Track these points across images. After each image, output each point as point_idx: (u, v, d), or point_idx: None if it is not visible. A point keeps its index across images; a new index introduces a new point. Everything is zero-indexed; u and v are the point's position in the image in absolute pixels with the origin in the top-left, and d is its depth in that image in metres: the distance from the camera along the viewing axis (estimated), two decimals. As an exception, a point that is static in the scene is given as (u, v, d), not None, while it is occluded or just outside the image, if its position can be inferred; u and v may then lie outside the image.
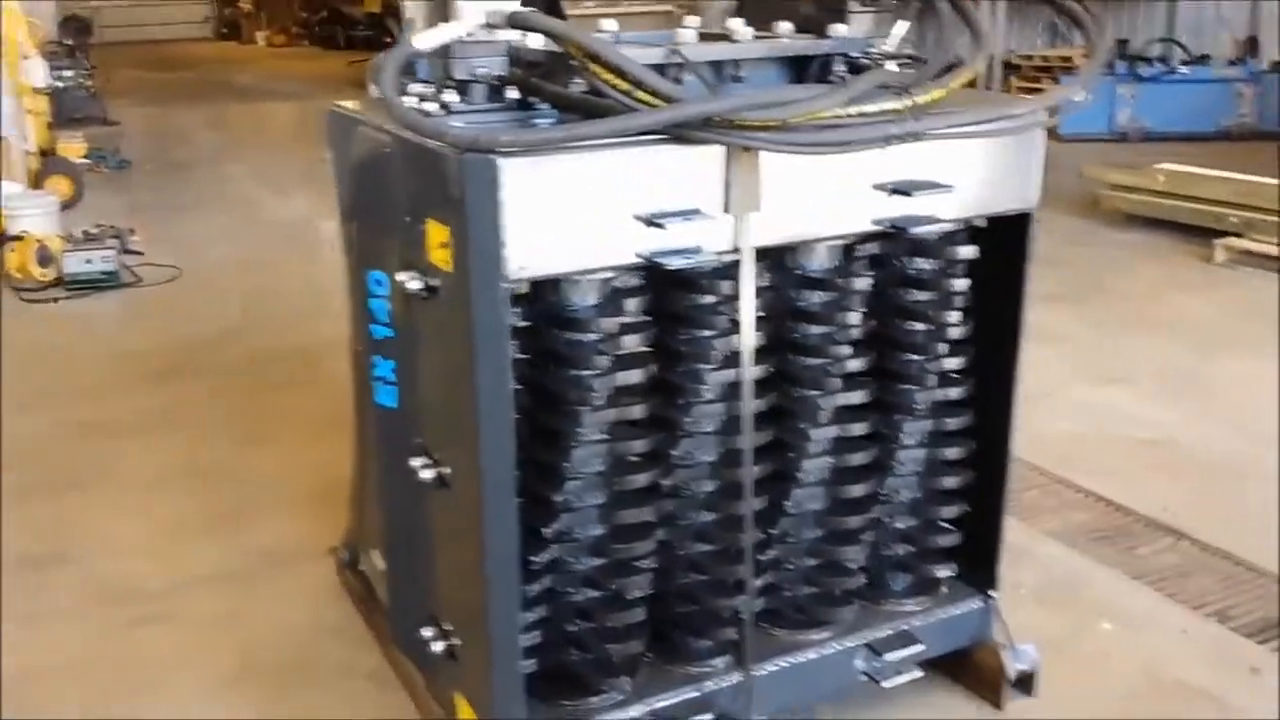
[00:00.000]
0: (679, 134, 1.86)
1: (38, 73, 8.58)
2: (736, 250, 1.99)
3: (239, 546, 3.31)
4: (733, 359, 2.14)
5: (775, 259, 2.19)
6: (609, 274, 2.00)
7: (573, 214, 1.85)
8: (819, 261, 2.20)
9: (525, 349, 2.04)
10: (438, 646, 2.21)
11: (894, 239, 2.23)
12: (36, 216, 6.64)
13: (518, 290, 1.92)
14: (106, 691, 2.67)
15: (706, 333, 2.08)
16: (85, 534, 3.43)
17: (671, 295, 2.09)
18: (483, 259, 1.81)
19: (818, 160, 2.00)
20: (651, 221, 1.88)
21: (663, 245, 1.91)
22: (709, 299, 2.06)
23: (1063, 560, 3.16)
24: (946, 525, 2.49)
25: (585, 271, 1.95)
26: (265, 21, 25.63)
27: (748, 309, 2.02)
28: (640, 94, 1.82)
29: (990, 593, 2.53)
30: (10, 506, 3.59)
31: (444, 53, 2.03)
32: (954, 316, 2.31)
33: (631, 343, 2.07)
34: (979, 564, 2.54)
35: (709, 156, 1.92)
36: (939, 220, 2.13)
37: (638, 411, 2.12)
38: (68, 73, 12.16)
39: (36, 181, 7.93)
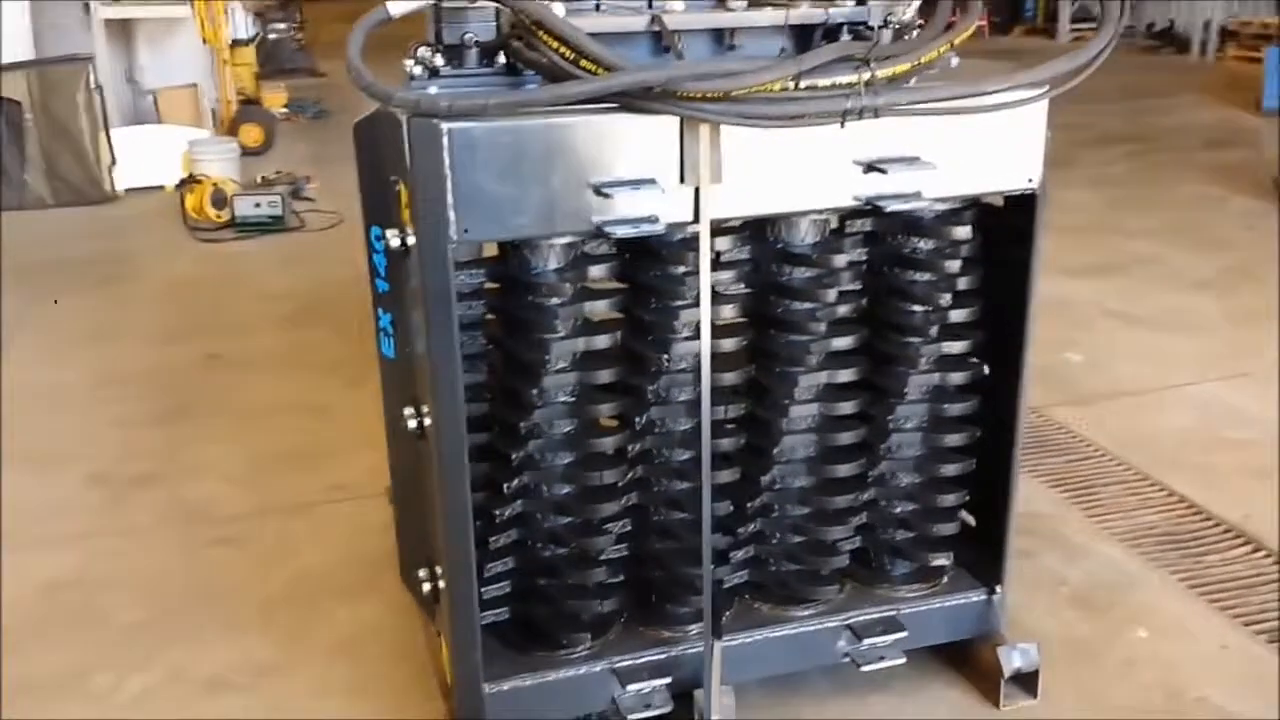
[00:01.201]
0: (628, 103, 1.87)
1: (240, 24, 9.19)
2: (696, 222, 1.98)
3: (317, 480, 3.51)
4: (717, 329, 2.15)
5: (757, 232, 2.18)
6: (570, 239, 2.03)
7: (520, 180, 1.88)
8: (801, 236, 2.17)
9: (494, 309, 2.11)
10: (427, 588, 2.31)
11: (889, 217, 2.18)
12: (218, 161, 7.16)
13: (477, 253, 1.99)
14: (160, 603, 2.91)
15: (671, 303, 2.09)
16: (185, 459, 3.71)
17: (640, 264, 2.11)
18: (429, 221, 1.88)
19: (789, 134, 1.97)
20: (599, 190, 1.90)
21: (615, 214, 1.92)
22: (673, 269, 2.06)
23: (1119, 562, 3.00)
24: (946, 513, 2.41)
25: (537, 237, 1.98)
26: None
27: (706, 281, 2.01)
28: (584, 62, 1.83)
29: (996, 587, 2.44)
30: (126, 428, 3.94)
31: (436, 17, 2.09)
32: (948, 298, 2.23)
33: (596, 309, 2.10)
34: (987, 557, 2.45)
35: (664, 126, 1.92)
36: (918, 198, 2.05)
37: (605, 376, 2.15)
38: (280, 25, 12.92)
39: (232, 128, 8.50)
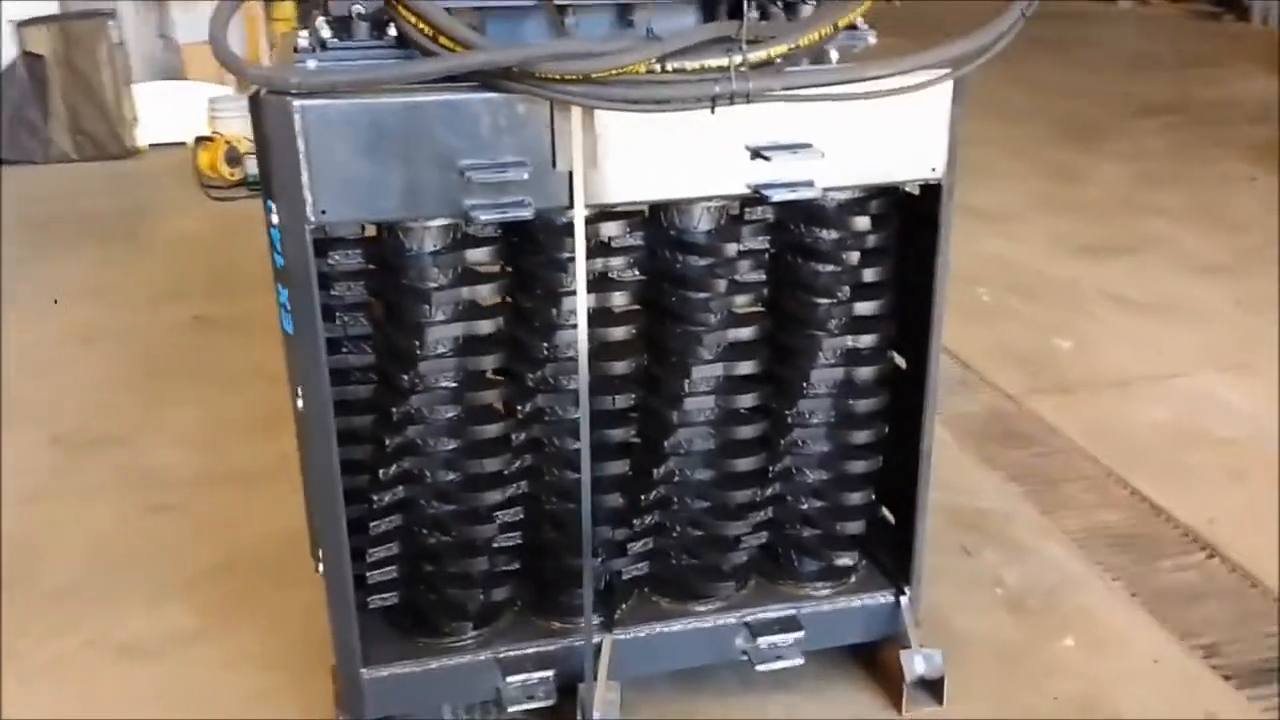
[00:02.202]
0: (489, 83, 1.80)
1: (275, -16, 9.16)
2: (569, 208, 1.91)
3: (273, 448, 3.50)
4: (597, 317, 2.09)
5: (651, 218, 2.11)
6: (445, 222, 1.97)
7: (381, 160, 1.82)
8: (694, 223, 2.09)
9: (372, 292, 2.06)
10: (320, 570, 2.29)
11: (790, 206, 2.09)
12: (237, 119, 7.15)
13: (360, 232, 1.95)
14: (91, 569, 2.92)
15: (551, 289, 2.03)
16: (148, 422, 3.73)
17: (523, 249, 2.05)
18: (285, 201, 1.83)
19: (676, 118, 1.89)
20: (464, 173, 1.84)
21: (482, 199, 1.86)
22: (552, 255, 2.00)
23: (1063, 564, 2.90)
24: (852, 511, 2.34)
25: (402, 220, 1.93)
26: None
27: (581, 267, 1.95)
28: (443, 39, 1.77)
29: (905, 589, 2.36)
30: (97, 390, 3.97)
31: (323, -10, 2.04)
32: (849, 290, 2.15)
33: (481, 294, 2.04)
34: (899, 558, 2.37)
35: (537, 108, 1.84)
36: (809, 187, 1.96)
37: (488, 363, 2.10)
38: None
39: (258, 87, 8.50)
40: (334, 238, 2.00)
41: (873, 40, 2.13)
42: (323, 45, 1.97)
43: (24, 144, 7.56)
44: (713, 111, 1.80)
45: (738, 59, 1.76)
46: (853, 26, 2.12)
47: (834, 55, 2.11)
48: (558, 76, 1.75)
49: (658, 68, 1.77)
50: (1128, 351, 4.19)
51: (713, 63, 1.78)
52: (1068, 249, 5.34)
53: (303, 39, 1.99)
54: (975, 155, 7.60)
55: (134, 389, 3.98)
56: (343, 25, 2.01)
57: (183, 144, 7.51)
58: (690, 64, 1.77)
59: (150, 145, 7.63)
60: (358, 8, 2.00)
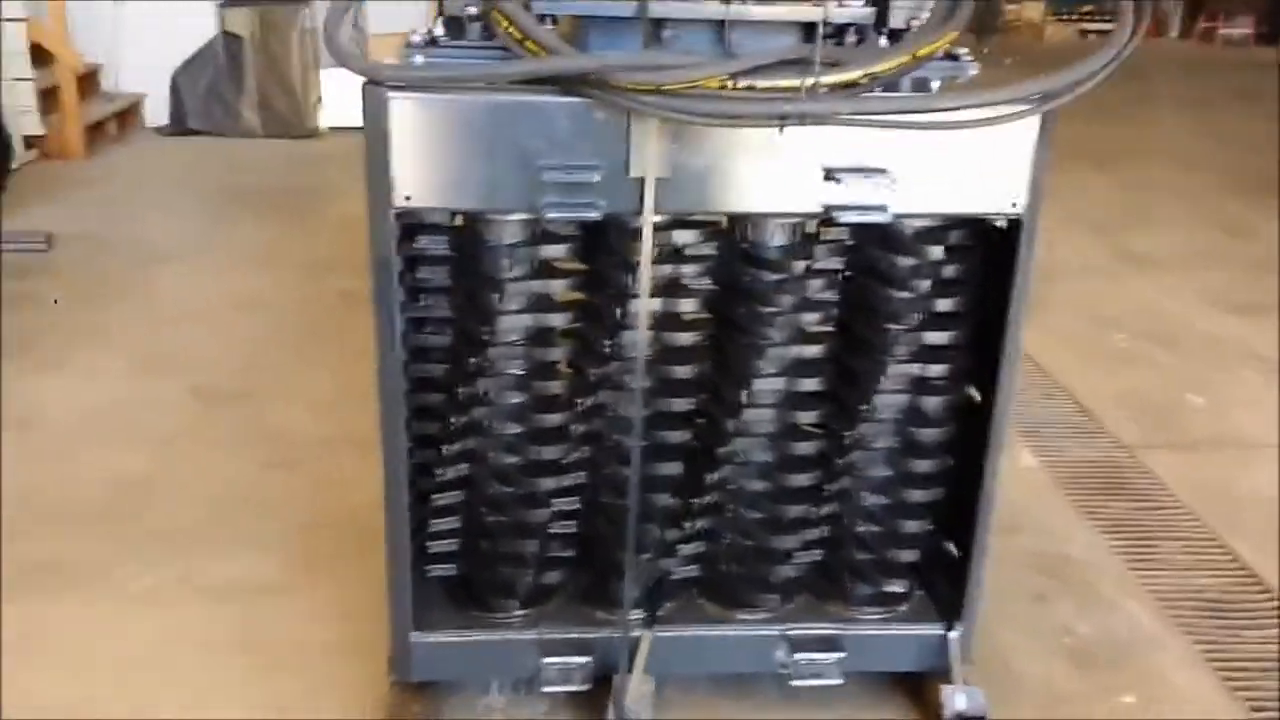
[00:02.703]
0: (568, 88, 1.89)
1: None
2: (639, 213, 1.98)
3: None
4: (664, 321, 2.16)
5: (726, 228, 2.16)
6: (525, 215, 2.07)
7: (463, 153, 1.93)
8: (767, 238, 2.13)
9: (454, 277, 2.18)
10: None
11: (868, 229, 2.12)
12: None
13: (430, 220, 2.08)
14: (204, 512, 3.14)
15: (617, 290, 2.10)
16: (283, 382, 3.97)
17: (597, 249, 2.13)
18: (376, 185, 1.96)
19: (757, 134, 1.94)
20: (540, 171, 1.93)
21: (554, 198, 1.95)
22: (621, 257, 2.08)
23: (1142, 622, 2.81)
24: (907, 539, 2.33)
25: (481, 211, 2.03)
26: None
27: (645, 272, 2.01)
28: (529, 43, 1.86)
29: (955, 624, 2.34)
30: (242, 348, 4.25)
31: (443, -12, 2.18)
32: (918, 319, 2.15)
33: (548, 288, 2.14)
34: (955, 593, 2.36)
35: (616, 115, 1.92)
36: (880, 211, 1.98)
37: (555, 354, 2.19)
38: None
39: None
40: (424, 223, 2.12)
41: (973, 72, 2.14)
42: (434, 42, 2.10)
43: (216, 117, 8.09)
44: (780, 131, 1.84)
45: (809, 81, 1.80)
46: (954, 58, 2.16)
47: (935, 85, 2.14)
48: (630, 86, 1.82)
49: (730, 84, 1.82)
50: (1261, 416, 4.00)
51: (784, 83, 1.82)
52: (1221, 303, 5.13)
53: (416, 36, 2.12)
54: (1144, 200, 7.45)
55: (275, 353, 4.24)
56: (456, 25, 2.15)
57: (360, 129, 7.89)
58: (762, 83, 1.82)
59: (330, 128, 8.04)
60: (470, 9, 2.14)
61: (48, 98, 7.24)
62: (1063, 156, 7.19)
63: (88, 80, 7.88)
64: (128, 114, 8.16)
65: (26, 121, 7.08)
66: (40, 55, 7.18)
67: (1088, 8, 15.81)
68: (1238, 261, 5.78)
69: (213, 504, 3.19)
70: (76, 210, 6.20)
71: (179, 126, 8.16)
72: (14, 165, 6.80)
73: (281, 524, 3.08)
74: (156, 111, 8.27)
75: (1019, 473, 3.54)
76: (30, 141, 7.15)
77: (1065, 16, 15.75)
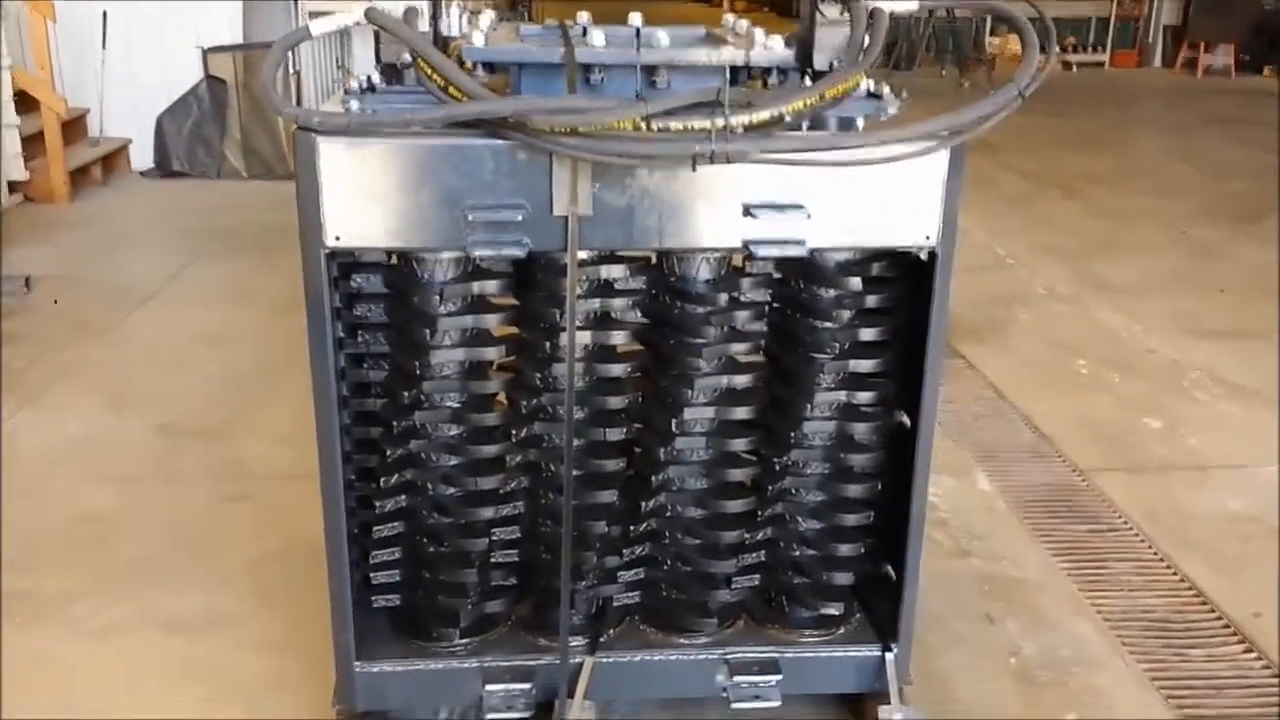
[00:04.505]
0: (491, 131, 1.95)
1: (455, 22, 9.68)
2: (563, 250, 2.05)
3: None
4: (596, 353, 2.22)
5: (656, 264, 2.22)
6: (453, 254, 2.13)
7: (391, 194, 1.99)
8: (693, 272, 2.20)
9: (388, 314, 2.24)
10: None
11: (792, 262, 2.19)
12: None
13: (366, 258, 2.14)
14: (164, 546, 3.19)
15: (548, 325, 2.16)
16: (250, 418, 4.03)
17: (527, 285, 2.19)
18: (307, 226, 2.02)
19: (677, 173, 2.01)
20: (466, 211, 1.99)
21: (480, 236, 2.01)
22: (550, 293, 2.14)
23: (1088, 642, 2.85)
24: (841, 563, 2.38)
25: (410, 250, 2.10)
26: (736, -15, 26.71)
27: (571, 309, 2.07)
28: (452, 90, 1.93)
29: (892, 645, 2.39)
30: (213, 385, 4.31)
31: (376, 36, 2.25)
32: (841, 348, 2.21)
33: (481, 322, 2.20)
34: (892, 615, 2.40)
35: (536, 156, 1.99)
36: (798, 245, 2.04)
37: (491, 387, 2.25)
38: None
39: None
40: (359, 261, 2.19)
41: (893, 110, 2.21)
42: (372, 89, 2.18)
43: (200, 159, 8.19)
44: (694, 169, 1.91)
45: (720, 122, 1.87)
46: (877, 96, 2.23)
47: (859, 122, 2.21)
48: (549, 129, 1.89)
49: (646, 126, 1.89)
50: (1217, 437, 4.06)
51: (697, 124, 1.88)
52: (1185, 328, 5.20)
53: (354, 81, 2.20)
54: (1115, 227, 7.52)
55: (242, 388, 4.30)
56: (393, 72, 2.23)
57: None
58: (676, 124, 1.88)
59: (313, 167, 8.10)
60: (405, 57, 2.22)
61: (33, 143, 7.34)
62: (1035, 185, 7.36)
63: (73, 125, 7.98)
64: (113, 158, 8.25)
65: (11, 166, 7.17)
66: (25, 101, 7.28)
67: (1071, 39, 15.99)
68: (1204, 287, 5.85)
69: (173, 538, 3.24)
70: (58, 252, 6.28)
71: (164, 169, 8.25)
72: (1, 208, 6.90)
73: (238, 556, 3.13)
74: (142, 155, 8.36)
75: (974, 496, 3.60)
76: (14, 186, 7.24)
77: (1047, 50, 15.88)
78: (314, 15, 6.78)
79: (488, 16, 2.42)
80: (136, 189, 8.01)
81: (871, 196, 2.06)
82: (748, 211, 2.03)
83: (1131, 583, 3.15)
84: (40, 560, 3.11)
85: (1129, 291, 5.79)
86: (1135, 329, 5.22)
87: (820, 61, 2.20)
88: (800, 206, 2.04)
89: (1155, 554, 3.28)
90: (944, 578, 3.07)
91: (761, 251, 2.05)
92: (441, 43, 2.40)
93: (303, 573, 2.97)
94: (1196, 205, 7.67)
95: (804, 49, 2.19)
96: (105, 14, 8.01)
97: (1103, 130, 10.75)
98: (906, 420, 2.32)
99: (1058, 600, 3.04)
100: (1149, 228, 7.14)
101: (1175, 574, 3.18)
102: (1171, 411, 4.30)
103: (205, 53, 8.14)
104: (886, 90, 2.24)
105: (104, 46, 8.06)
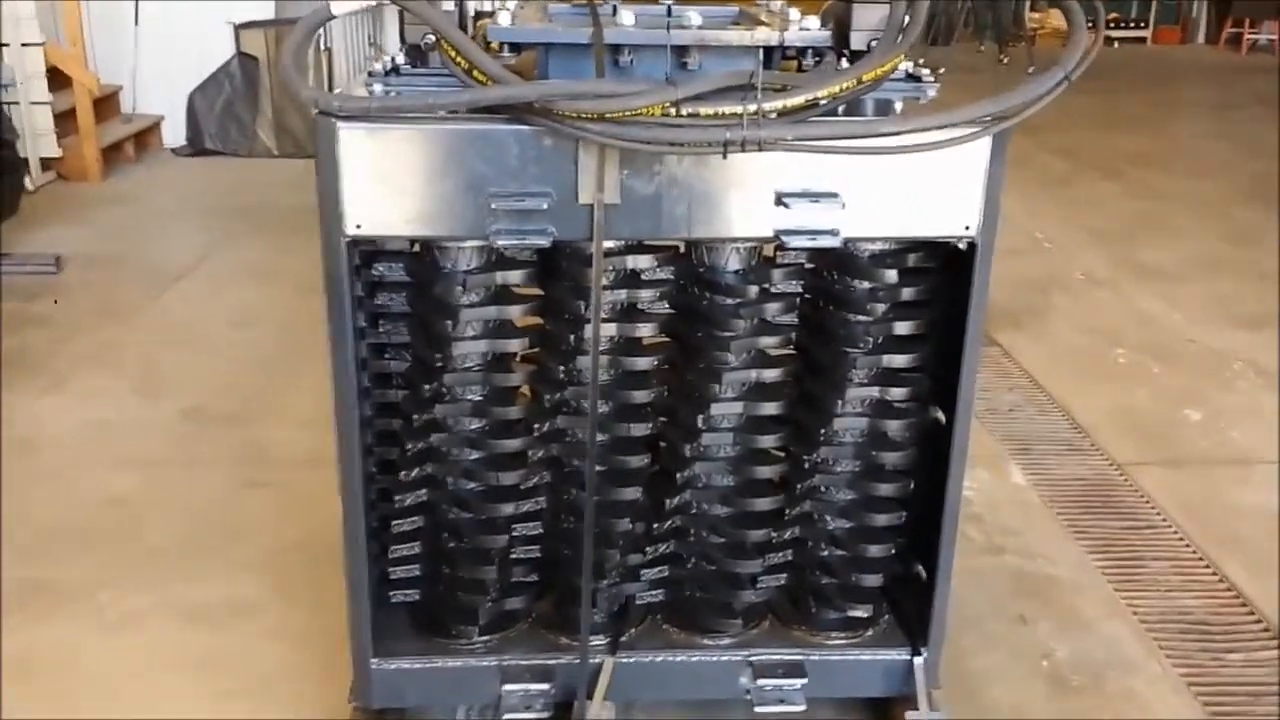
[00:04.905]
0: (516, 116, 1.89)
1: None
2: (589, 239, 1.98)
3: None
4: (621, 345, 2.16)
5: (685, 254, 2.16)
6: (479, 243, 2.07)
7: (413, 181, 1.94)
8: (723, 262, 2.13)
9: (410, 303, 2.19)
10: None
11: (825, 253, 2.12)
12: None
13: (388, 246, 2.09)
14: (187, 533, 3.17)
15: (572, 315, 2.10)
16: (274, 402, 4.00)
17: (552, 276, 2.13)
18: (328, 214, 1.97)
19: (708, 160, 1.94)
20: (490, 198, 1.93)
21: (504, 225, 1.95)
22: (575, 283, 2.08)
23: (1123, 643, 2.77)
24: (871, 564, 2.32)
25: (432, 239, 2.04)
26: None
27: (596, 298, 2.01)
28: (476, 73, 1.87)
29: (921, 650, 2.32)
30: (238, 368, 4.28)
31: (401, 16, 2.19)
32: (875, 342, 2.14)
33: (504, 313, 2.14)
34: (923, 618, 2.34)
35: (562, 142, 1.92)
36: (831, 235, 1.97)
37: (513, 379, 2.20)
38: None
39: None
40: (381, 249, 2.14)
41: (932, 93, 2.13)
42: (396, 71, 2.12)
43: (232, 137, 8.18)
44: (724, 156, 1.84)
45: (751, 107, 1.80)
46: (916, 79, 2.15)
47: (898, 106, 2.13)
48: (574, 114, 1.82)
49: (675, 110, 1.82)
50: (1259, 430, 3.95)
51: (728, 109, 1.81)
52: (1225, 315, 5.07)
53: (378, 64, 2.14)
54: (1154, 209, 7.38)
55: (267, 371, 4.27)
56: (418, 54, 2.16)
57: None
58: (706, 109, 1.81)
59: (343, 145, 8.07)
60: (430, 38, 2.15)
61: (65, 120, 7.34)
62: (1073, 165, 7.21)
63: (106, 102, 7.98)
64: (145, 135, 8.25)
65: (44, 143, 7.18)
66: (58, 78, 7.28)
67: (1113, 15, 15.70)
68: (1245, 272, 5.72)
69: (195, 525, 3.21)
70: (88, 231, 6.27)
71: (196, 147, 8.25)
72: (30, 188, 6.90)
73: (259, 545, 3.10)
74: (174, 132, 8.36)
75: (1008, 491, 3.52)
76: (47, 163, 7.24)
77: (1090, 25, 15.62)
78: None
79: (515, -5, 2.35)
80: (169, 167, 8.01)
81: (909, 185, 1.98)
82: (780, 200, 1.96)
83: (1169, 582, 3.07)
84: (63, 547, 3.09)
85: (1169, 277, 5.66)
86: (1175, 316, 5.10)
87: (858, 41, 2.11)
88: (835, 195, 1.96)
89: (1194, 552, 3.19)
90: (976, 575, 2.99)
91: (794, 242, 1.98)
92: (473, 19, 2.35)
93: (323, 562, 2.93)
94: (1238, 187, 7.51)
95: (840, 28, 2.12)
96: (139, -12, 8.00)
97: (1143, 109, 10.54)
98: (942, 417, 2.25)
99: (1093, 600, 2.96)
100: (1190, 210, 6.99)
101: (1214, 574, 3.09)
102: (1213, 403, 4.20)
103: (237, 29, 8.11)
104: (926, 72, 2.16)
105: (136, 23, 8.05)
